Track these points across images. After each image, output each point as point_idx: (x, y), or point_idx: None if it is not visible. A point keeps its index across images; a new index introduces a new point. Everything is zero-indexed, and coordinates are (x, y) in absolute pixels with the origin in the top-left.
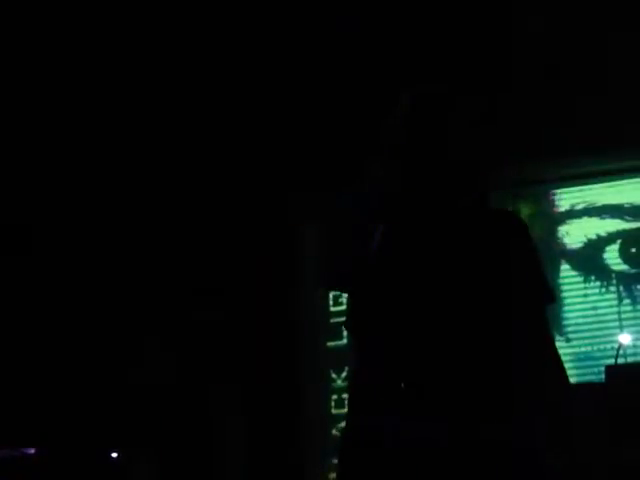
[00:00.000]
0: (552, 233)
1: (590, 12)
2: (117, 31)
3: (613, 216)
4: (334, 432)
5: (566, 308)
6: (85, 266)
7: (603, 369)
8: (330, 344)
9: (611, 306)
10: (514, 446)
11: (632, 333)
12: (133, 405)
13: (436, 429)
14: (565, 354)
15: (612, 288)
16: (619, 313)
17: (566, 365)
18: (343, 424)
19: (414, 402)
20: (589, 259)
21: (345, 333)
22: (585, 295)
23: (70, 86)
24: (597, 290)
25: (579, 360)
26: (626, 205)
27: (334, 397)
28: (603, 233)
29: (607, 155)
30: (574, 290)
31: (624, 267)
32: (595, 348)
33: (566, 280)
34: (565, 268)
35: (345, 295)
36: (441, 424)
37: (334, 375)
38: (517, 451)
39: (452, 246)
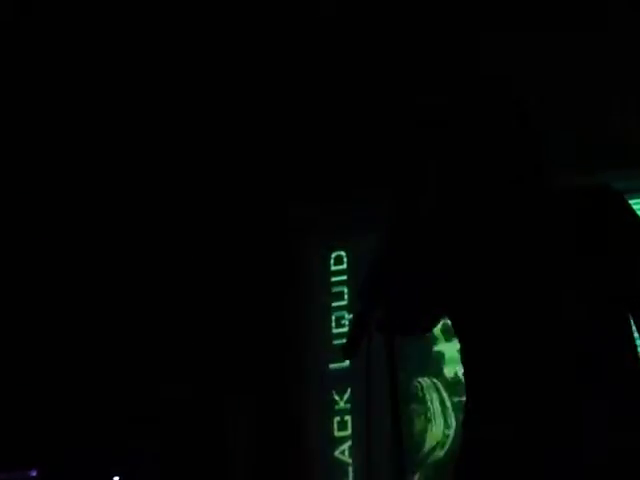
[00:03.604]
0: None
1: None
2: (115, 30)
3: None
4: (336, 454)
5: None
6: (97, 275)
7: None
8: (333, 366)
9: None
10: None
11: None
12: (140, 426)
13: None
14: None
15: None
16: None
17: None
18: (345, 446)
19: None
20: None
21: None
22: None
23: (69, 84)
24: None
25: None
26: None
27: (336, 419)
28: None
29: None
30: None
31: None
32: None
33: None
34: None
35: (349, 317)
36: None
37: (337, 397)
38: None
39: (548, 230)
